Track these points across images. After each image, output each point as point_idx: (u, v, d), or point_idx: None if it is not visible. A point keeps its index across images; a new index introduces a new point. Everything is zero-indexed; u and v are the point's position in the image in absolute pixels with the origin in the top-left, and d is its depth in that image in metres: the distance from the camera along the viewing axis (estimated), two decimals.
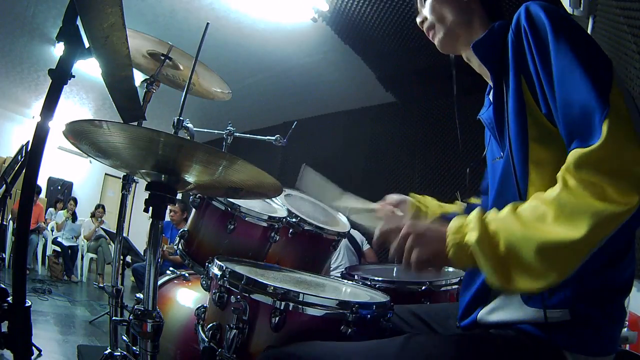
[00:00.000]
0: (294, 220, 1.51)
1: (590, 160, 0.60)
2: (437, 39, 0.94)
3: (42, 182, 7.62)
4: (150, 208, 0.92)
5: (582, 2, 1.83)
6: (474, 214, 0.70)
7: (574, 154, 0.62)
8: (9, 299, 0.82)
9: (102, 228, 6.03)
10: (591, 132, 0.61)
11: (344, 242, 3.29)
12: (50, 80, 0.86)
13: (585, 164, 0.60)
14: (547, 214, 0.62)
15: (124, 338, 1.57)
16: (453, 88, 1.03)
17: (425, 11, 0.94)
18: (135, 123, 1.31)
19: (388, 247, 0.76)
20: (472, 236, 0.66)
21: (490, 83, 0.94)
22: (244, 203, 1.41)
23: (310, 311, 0.85)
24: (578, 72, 0.64)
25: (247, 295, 0.88)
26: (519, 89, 0.75)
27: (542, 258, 0.61)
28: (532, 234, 0.62)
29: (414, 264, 0.71)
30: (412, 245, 0.72)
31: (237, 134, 1.87)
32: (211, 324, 0.92)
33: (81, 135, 0.81)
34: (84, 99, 6.34)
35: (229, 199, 1.39)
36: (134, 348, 1.46)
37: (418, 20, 0.97)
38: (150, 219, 0.93)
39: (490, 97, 0.91)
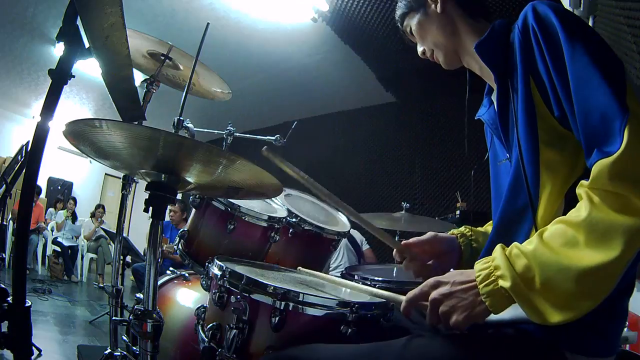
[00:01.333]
0: (294, 220, 1.51)
1: (614, 170, 0.59)
2: (442, 62, 0.95)
3: (42, 182, 7.62)
4: (150, 208, 0.91)
5: (582, 2, 1.83)
6: (499, 254, 0.67)
7: (597, 166, 0.60)
8: (9, 299, 0.82)
9: (102, 228, 6.03)
10: (612, 140, 0.60)
11: (344, 242, 3.29)
12: (50, 80, 0.86)
13: (611, 175, 0.59)
14: (578, 239, 0.61)
15: (124, 338, 1.58)
16: (462, 87, 1.02)
17: (419, 42, 0.97)
18: (136, 123, 1.31)
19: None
20: (506, 282, 0.63)
21: (491, 84, 0.93)
22: (244, 203, 1.41)
23: (310, 311, 0.85)
24: (595, 77, 0.62)
25: (247, 295, 0.87)
26: (527, 91, 0.73)
27: (580, 286, 0.60)
28: (567, 263, 0.60)
29: (457, 328, 0.68)
30: (447, 312, 0.69)
31: (237, 134, 1.87)
32: (211, 324, 0.92)
33: (81, 135, 0.81)
34: (84, 99, 6.34)
35: (229, 199, 1.38)
36: (134, 348, 1.46)
37: (419, 51, 0.98)
38: (150, 219, 0.93)
39: (493, 97, 0.91)
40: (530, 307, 0.63)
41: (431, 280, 0.73)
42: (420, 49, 0.98)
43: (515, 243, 0.67)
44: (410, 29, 0.96)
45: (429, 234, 0.96)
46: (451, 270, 0.76)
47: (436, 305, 0.70)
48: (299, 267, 1.27)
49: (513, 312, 0.73)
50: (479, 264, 0.69)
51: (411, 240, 0.96)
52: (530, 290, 0.62)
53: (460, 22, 0.90)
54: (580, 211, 0.62)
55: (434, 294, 0.71)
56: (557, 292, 0.61)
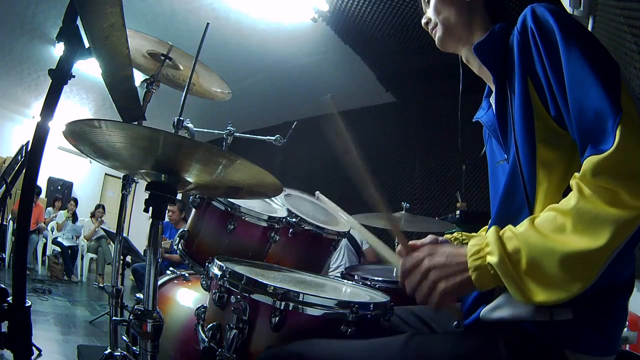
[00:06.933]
0: (294, 220, 1.51)
1: (605, 166, 0.60)
2: (437, 38, 0.95)
3: (42, 182, 7.62)
4: (150, 208, 0.91)
5: (582, 2, 1.84)
6: (492, 233, 0.69)
7: (589, 161, 0.62)
8: (9, 299, 0.82)
9: (102, 228, 6.03)
10: (605, 138, 0.61)
11: (344, 242, 3.29)
12: (50, 80, 0.86)
13: (601, 170, 0.60)
14: (566, 225, 0.62)
15: (124, 338, 1.57)
16: (459, 87, 1.03)
17: (429, 12, 0.96)
18: (135, 123, 1.31)
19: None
20: (493, 258, 0.66)
21: (490, 85, 0.94)
22: (244, 203, 1.41)
23: (310, 311, 0.85)
24: (590, 77, 0.64)
25: (247, 295, 0.87)
26: (525, 91, 0.74)
27: (565, 269, 0.61)
28: (553, 246, 0.62)
29: (440, 298, 0.70)
30: (436, 278, 0.70)
31: (237, 134, 1.87)
32: (211, 324, 0.92)
33: (81, 135, 0.81)
34: (84, 99, 6.35)
35: (229, 199, 1.38)
36: (134, 348, 1.46)
37: (423, 21, 0.98)
38: (150, 219, 0.93)
39: (491, 99, 0.91)
40: (514, 285, 0.64)
41: (426, 248, 0.75)
42: (424, 19, 0.97)
43: (510, 225, 0.69)
44: None
45: (429, 237, 0.98)
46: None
47: (427, 271, 0.72)
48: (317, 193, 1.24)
49: (513, 310, 0.73)
50: (473, 240, 0.71)
51: (416, 241, 0.97)
52: (516, 269, 0.64)
53: (478, 18, 0.90)
54: (570, 200, 0.64)
55: (427, 261, 0.73)
56: (542, 273, 0.63)
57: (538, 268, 0.63)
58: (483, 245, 0.68)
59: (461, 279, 0.69)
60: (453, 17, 0.91)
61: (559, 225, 0.63)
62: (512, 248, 0.65)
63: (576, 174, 0.65)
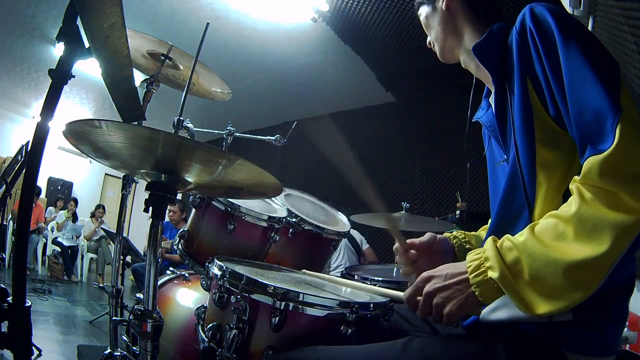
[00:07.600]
0: (294, 220, 1.51)
1: (605, 167, 0.59)
2: (438, 55, 0.99)
3: (42, 182, 7.62)
4: (150, 208, 0.91)
5: (582, 2, 1.84)
6: (490, 245, 0.68)
7: (589, 162, 0.61)
8: (9, 299, 0.82)
9: (102, 228, 6.03)
10: (604, 137, 0.60)
11: (344, 241, 3.29)
12: (50, 80, 0.86)
13: (601, 171, 0.60)
14: (567, 232, 0.62)
15: (124, 338, 1.57)
16: (461, 87, 1.04)
17: (426, 32, 1.00)
18: (135, 123, 1.31)
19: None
20: (494, 273, 0.65)
21: (489, 86, 0.94)
22: (244, 203, 1.41)
23: (311, 311, 0.85)
24: (589, 77, 0.63)
25: (247, 295, 0.87)
26: (524, 91, 0.74)
27: (568, 279, 0.61)
28: (555, 256, 0.61)
29: (450, 319, 0.70)
30: (440, 303, 0.71)
31: (237, 134, 1.87)
32: (211, 324, 0.92)
33: (81, 135, 0.81)
34: (84, 99, 6.35)
35: (229, 199, 1.38)
36: (134, 348, 1.46)
37: (427, 42, 1.02)
38: (150, 219, 0.93)
39: (491, 100, 0.91)
40: (517, 298, 0.64)
41: (424, 275, 0.75)
42: (428, 40, 1.01)
43: (508, 235, 0.69)
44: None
45: (428, 234, 0.98)
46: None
47: (430, 298, 0.72)
48: (304, 270, 1.27)
49: (512, 311, 0.73)
50: (471, 255, 0.71)
51: (414, 240, 0.98)
52: (518, 281, 0.64)
53: (463, 22, 0.91)
54: (570, 206, 0.63)
55: (427, 287, 0.73)
56: (545, 284, 0.62)
57: (540, 279, 0.62)
58: (482, 259, 0.68)
59: (465, 298, 0.69)
60: (440, 30, 0.94)
61: (560, 232, 0.62)
62: (512, 259, 0.65)
63: (576, 177, 0.64)
